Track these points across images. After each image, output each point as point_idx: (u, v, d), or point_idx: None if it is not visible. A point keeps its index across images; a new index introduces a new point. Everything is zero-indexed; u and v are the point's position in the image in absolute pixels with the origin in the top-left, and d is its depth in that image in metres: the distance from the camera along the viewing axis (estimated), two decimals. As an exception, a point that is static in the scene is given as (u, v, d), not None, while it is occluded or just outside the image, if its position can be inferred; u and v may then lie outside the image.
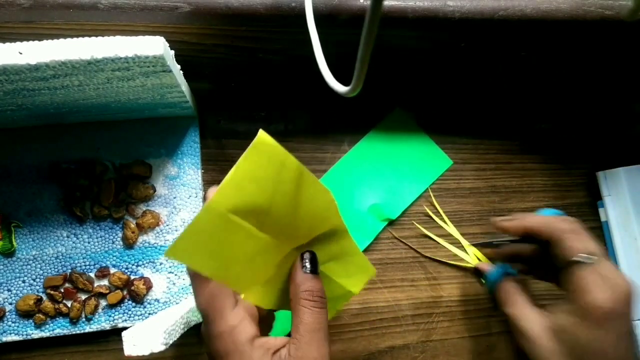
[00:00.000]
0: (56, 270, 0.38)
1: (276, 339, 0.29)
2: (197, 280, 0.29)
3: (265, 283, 0.31)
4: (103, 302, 0.38)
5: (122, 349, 0.28)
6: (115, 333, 0.39)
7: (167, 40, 0.28)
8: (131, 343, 0.28)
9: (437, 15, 0.36)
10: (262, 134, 0.26)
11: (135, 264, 0.39)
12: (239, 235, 0.28)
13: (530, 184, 0.45)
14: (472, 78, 0.45)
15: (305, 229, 0.30)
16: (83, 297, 0.38)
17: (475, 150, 0.45)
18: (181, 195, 0.40)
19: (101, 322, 0.38)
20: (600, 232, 0.45)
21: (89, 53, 0.27)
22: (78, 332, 0.38)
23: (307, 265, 0.30)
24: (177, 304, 0.39)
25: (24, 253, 0.38)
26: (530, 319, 0.35)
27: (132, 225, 0.39)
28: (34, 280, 0.38)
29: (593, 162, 0.46)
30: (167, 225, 0.39)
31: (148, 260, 0.39)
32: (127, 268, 0.39)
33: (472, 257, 0.43)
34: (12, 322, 0.37)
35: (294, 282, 0.30)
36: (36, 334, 0.38)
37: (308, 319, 0.28)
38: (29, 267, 0.38)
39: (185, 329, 0.33)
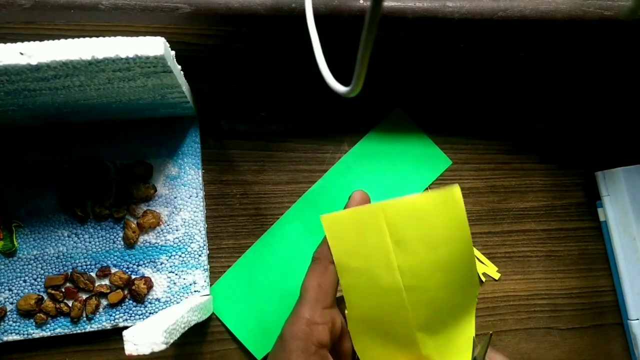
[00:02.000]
0: (57, 269, 0.38)
1: None
2: (320, 265, 0.30)
3: (370, 323, 0.30)
4: (104, 302, 0.39)
5: (123, 348, 0.28)
6: (116, 332, 0.39)
7: (167, 41, 0.28)
8: (132, 342, 0.28)
9: (437, 15, 0.36)
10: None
11: (136, 263, 0.39)
12: (381, 253, 0.29)
13: (529, 184, 0.45)
14: (471, 78, 0.45)
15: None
16: (84, 296, 0.38)
17: (475, 151, 0.45)
18: (182, 195, 0.40)
19: (102, 322, 0.38)
20: (599, 232, 0.45)
21: (89, 53, 0.27)
22: (79, 331, 0.38)
23: None
24: (177, 303, 0.39)
25: (25, 253, 0.38)
26: None
27: (133, 225, 0.39)
28: (35, 279, 0.38)
29: (592, 162, 0.46)
30: (168, 225, 0.40)
31: (149, 260, 0.39)
32: (128, 268, 0.39)
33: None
34: (13, 322, 0.38)
35: None
36: (37, 333, 0.38)
37: None
38: (30, 266, 0.38)
39: (186, 329, 0.33)
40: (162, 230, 0.39)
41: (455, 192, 0.29)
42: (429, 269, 0.29)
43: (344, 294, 0.30)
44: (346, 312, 0.30)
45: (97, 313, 0.38)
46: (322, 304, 0.29)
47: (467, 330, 0.30)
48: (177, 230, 0.40)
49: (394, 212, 0.29)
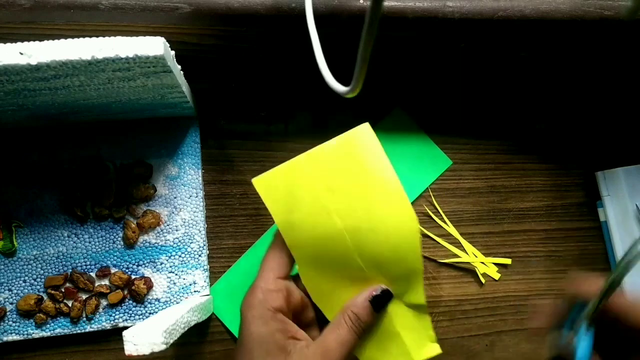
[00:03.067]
0: (57, 270, 0.38)
1: (298, 331, 0.30)
2: (276, 241, 0.32)
3: (322, 271, 0.31)
4: (104, 302, 0.39)
5: (122, 349, 0.28)
6: (116, 333, 0.39)
7: (167, 41, 0.28)
8: (132, 342, 0.28)
9: (437, 15, 0.36)
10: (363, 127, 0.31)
11: (136, 263, 0.39)
12: (316, 202, 0.31)
13: (530, 184, 0.45)
14: (471, 78, 0.45)
15: (381, 244, 0.31)
16: (84, 296, 0.38)
17: (475, 151, 0.45)
18: (182, 195, 0.40)
19: (102, 322, 0.38)
20: (599, 232, 0.45)
21: (89, 53, 0.27)
22: (79, 331, 0.38)
23: (375, 301, 0.31)
24: (177, 303, 0.39)
25: (25, 253, 0.38)
26: None
27: (133, 225, 0.39)
28: (34, 280, 0.38)
29: (592, 162, 0.46)
30: (168, 225, 0.40)
31: (149, 260, 0.39)
32: (127, 268, 0.39)
33: (471, 256, 0.43)
34: (13, 322, 0.38)
35: (354, 301, 0.31)
36: (37, 333, 0.38)
37: (344, 333, 0.29)
38: (29, 266, 0.38)
39: (186, 329, 0.33)
40: (162, 230, 0.39)
41: (365, 127, 0.31)
42: (364, 208, 0.30)
43: (290, 250, 0.31)
44: (297, 266, 0.31)
45: (97, 313, 0.38)
46: (276, 273, 0.31)
47: (416, 265, 0.31)
48: (177, 230, 0.40)
49: (318, 161, 0.31)
